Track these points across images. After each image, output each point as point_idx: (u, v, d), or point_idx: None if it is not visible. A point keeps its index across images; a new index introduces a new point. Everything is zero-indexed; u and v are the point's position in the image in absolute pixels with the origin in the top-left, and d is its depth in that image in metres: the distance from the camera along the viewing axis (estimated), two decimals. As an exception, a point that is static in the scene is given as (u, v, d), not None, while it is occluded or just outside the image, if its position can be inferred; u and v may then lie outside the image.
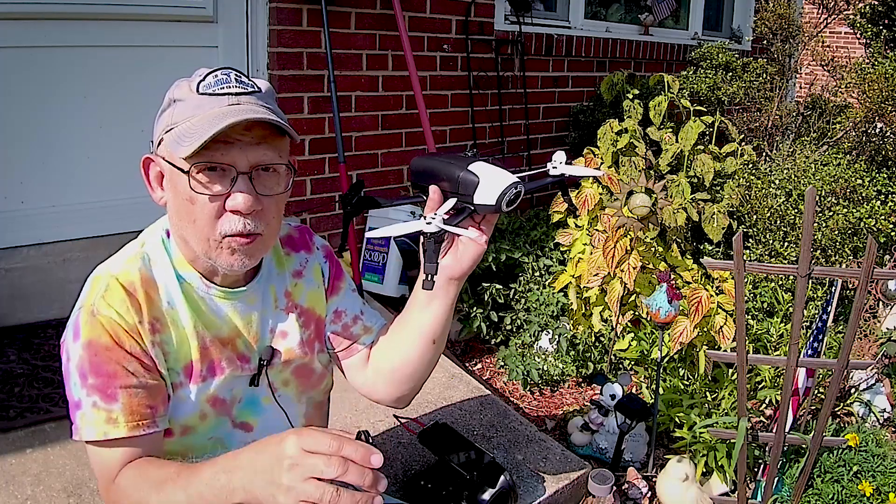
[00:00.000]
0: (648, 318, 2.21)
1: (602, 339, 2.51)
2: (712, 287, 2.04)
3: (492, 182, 0.94)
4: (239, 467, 0.79)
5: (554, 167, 1.06)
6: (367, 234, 1.13)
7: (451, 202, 0.98)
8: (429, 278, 0.96)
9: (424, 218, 0.94)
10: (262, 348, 1.09)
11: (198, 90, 0.93)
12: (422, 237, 0.95)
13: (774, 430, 1.66)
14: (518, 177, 0.97)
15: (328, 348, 1.19)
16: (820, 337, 1.76)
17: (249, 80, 0.97)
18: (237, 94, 0.93)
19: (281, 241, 1.14)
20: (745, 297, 1.62)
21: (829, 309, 1.84)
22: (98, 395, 0.90)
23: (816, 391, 1.99)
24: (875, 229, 2.31)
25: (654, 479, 1.97)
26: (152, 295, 0.98)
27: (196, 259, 1.00)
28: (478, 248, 1.02)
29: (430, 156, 1.07)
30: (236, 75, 0.96)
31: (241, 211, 0.92)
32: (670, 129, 2.60)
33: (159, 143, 0.96)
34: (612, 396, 2.06)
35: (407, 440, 1.79)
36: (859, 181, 2.40)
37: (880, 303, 2.52)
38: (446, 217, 0.96)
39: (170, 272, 1.01)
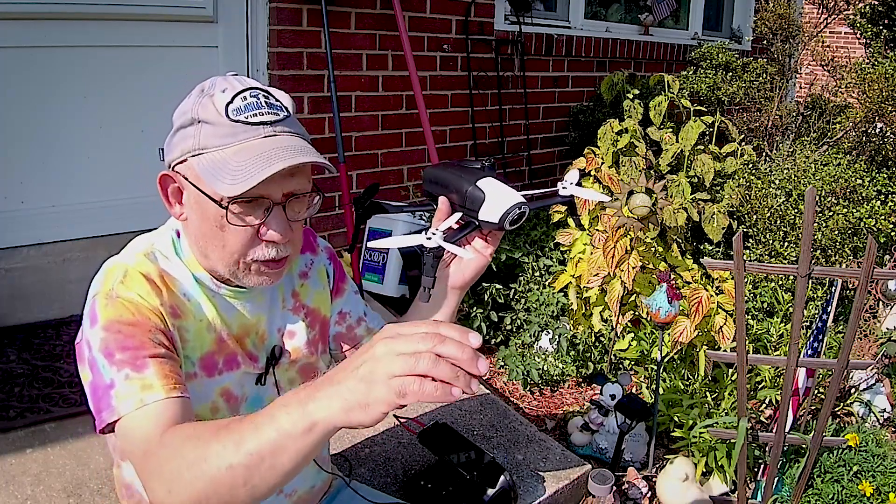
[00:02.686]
0: (648, 318, 2.21)
1: (602, 339, 2.51)
2: (712, 287, 2.03)
3: (497, 200, 0.96)
4: (325, 377, 0.71)
5: (564, 187, 1.06)
6: (368, 244, 1.15)
7: (456, 216, 1.00)
8: (426, 290, 0.98)
9: (426, 232, 0.95)
10: (269, 347, 1.10)
11: (227, 114, 0.91)
12: (423, 251, 0.97)
13: (774, 430, 1.66)
14: (527, 195, 0.98)
15: (331, 349, 1.21)
16: (820, 337, 1.76)
17: (276, 99, 0.96)
18: (271, 122, 0.92)
19: None
20: (745, 297, 1.62)
21: (829, 309, 1.84)
22: (128, 367, 0.87)
23: (816, 391, 1.99)
24: (875, 229, 2.30)
25: (654, 479, 1.97)
26: (170, 285, 0.98)
27: (212, 269, 1.01)
28: (481, 260, 1.04)
29: (443, 166, 1.08)
30: (265, 96, 0.94)
31: (277, 241, 0.94)
32: (670, 129, 2.60)
33: (181, 162, 0.94)
34: (612, 396, 2.06)
35: (407, 440, 1.79)
36: (859, 181, 2.40)
37: (880, 303, 2.52)
38: (448, 232, 0.97)
39: (183, 269, 1.01)
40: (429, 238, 0.95)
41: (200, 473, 0.73)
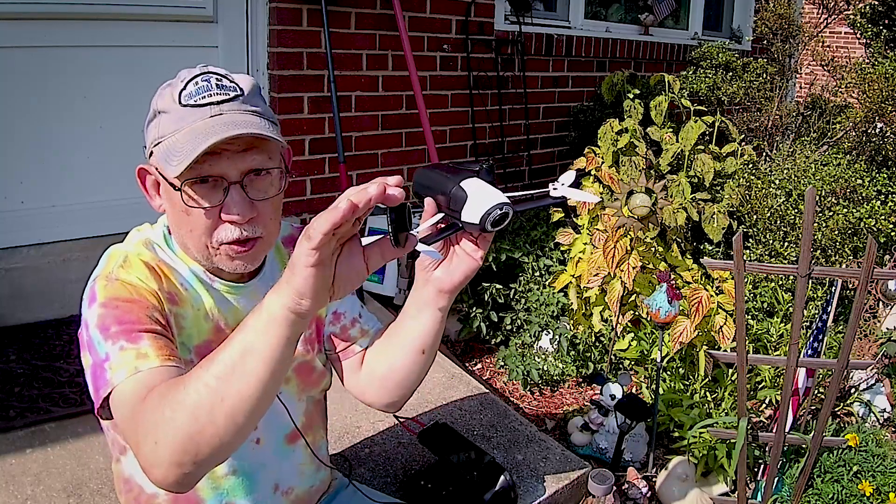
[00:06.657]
0: (648, 318, 2.21)
1: (602, 339, 2.51)
2: (712, 287, 2.04)
3: (478, 201, 0.92)
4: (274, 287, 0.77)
5: (555, 188, 1.03)
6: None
7: (437, 217, 0.97)
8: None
9: None
10: None
11: (180, 101, 0.92)
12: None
13: (774, 430, 1.66)
14: (517, 196, 0.95)
15: (326, 349, 1.20)
16: (820, 337, 1.76)
17: (231, 81, 0.96)
18: (219, 102, 0.93)
19: (283, 241, 1.16)
20: (745, 297, 1.62)
21: (829, 309, 1.84)
22: (123, 338, 0.87)
23: (816, 391, 1.99)
24: (875, 229, 2.30)
25: (654, 479, 1.97)
26: (168, 274, 0.99)
27: (198, 260, 1.02)
28: (471, 263, 1.01)
29: (433, 167, 1.06)
30: (217, 79, 0.95)
31: (236, 222, 0.94)
32: (671, 129, 2.60)
33: (150, 154, 0.96)
34: (612, 396, 2.06)
35: (407, 440, 1.79)
36: (859, 181, 2.40)
37: (880, 303, 2.52)
38: (428, 232, 0.96)
39: (179, 261, 1.02)
40: None
41: (181, 406, 0.75)
